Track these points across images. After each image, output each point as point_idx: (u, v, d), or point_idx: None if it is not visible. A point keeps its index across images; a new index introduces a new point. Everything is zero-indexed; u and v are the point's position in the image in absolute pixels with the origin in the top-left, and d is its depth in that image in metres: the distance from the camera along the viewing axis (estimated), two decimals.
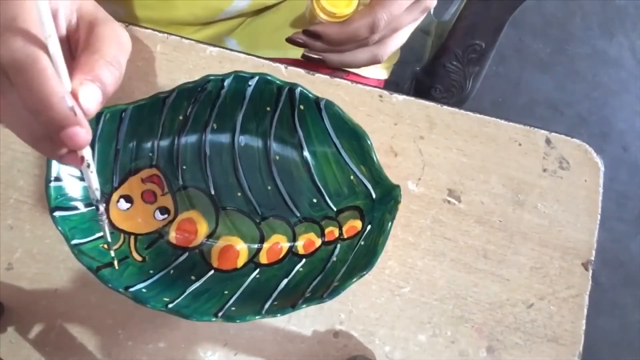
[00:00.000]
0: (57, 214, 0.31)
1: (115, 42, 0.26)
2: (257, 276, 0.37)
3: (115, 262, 0.33)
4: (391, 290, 0.40)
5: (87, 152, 0.26)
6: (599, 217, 0.44)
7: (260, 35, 0.53)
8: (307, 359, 0.39)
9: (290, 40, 0.41)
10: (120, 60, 0.26)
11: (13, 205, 0.39)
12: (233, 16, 0.50)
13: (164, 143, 0.37)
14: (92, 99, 0.24)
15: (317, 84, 0.43)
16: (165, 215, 0.38)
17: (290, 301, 0.33)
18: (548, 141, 0.44)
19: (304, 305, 0.33)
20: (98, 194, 0.28)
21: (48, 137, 0.25)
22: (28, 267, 0.38)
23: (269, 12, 0.52)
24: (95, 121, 0.33)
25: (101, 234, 0.34)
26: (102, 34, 0.26)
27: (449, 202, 0.42)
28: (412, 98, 0.44)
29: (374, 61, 0.41)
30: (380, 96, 0.43)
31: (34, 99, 0.23)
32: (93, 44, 0.26)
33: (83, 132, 0.24)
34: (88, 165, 0.26)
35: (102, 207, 0.29)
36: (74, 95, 0.24)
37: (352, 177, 0.37)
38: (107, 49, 0.25)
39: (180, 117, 0.36)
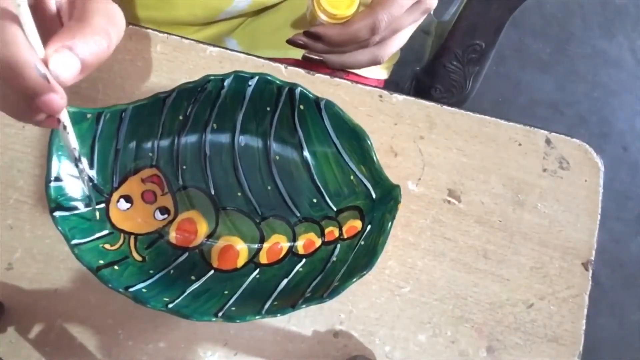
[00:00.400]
0: (57, 214, 0.31)
1: (105, 15, 0.25)
2: (257, 276, 0.37)
3: (97, 214, 0.33)
4: (391, 290, 0.40)
5: (63, 115, 0.26)
6: (599, 217, 0.44)
7: (260, 36, 0.53)
8: (307, 359, 0.39)
9: (290, 42, 0.41)
10: (110, 32, 0.25)
11: (13, 205, 0.39)
12: (233, 16, 0.50)
13: (164, 143, 0.37)
14: (65, 67, 0.23)
15: (317, 84, 0.43)
16: (165, 215, 0.38)
17: (290, 301, 0.33)
18: (548, 141, 0.44)
19: (304, 305, 0.32)
20: (76, 154, 0.29)
21: (24, 104, 0.24)
22: (28, 267, 0.38)
23: (269, 13, 0.52)
24: (95, 121, 0.33)
25: (101, 233, 0.34)
26: (92, 7, 0.25)
27: (449, 202, 0.42)
28: (412, 98, 0.44)
29: (375, 62, 0.41)
30: (380, 96, 0.43)
31: (4, 67, 0.22)
32: (80, 16, 0.25)
33: (57, 99, 0.23)
34: (64, 128, 0.27)
35: (81, 165, 0.29)
36: (46, 62, 0.23)
37: (352, 177, 0.37)
38: (94, 19, 0.24)
39: (180, 117, 0.36)
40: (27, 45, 0.22)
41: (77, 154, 0.29)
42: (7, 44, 0.22)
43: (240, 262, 0.38)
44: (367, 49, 0.40)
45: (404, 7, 0.38)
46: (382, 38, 0.39)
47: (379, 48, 0.40)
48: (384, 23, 0.37)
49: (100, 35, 0.24)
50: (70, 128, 0.27)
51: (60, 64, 0.23)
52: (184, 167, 0.38)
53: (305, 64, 0.42)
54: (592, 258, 0.43)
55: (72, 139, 0.28)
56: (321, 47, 0.40)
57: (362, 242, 0.36)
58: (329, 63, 0.41)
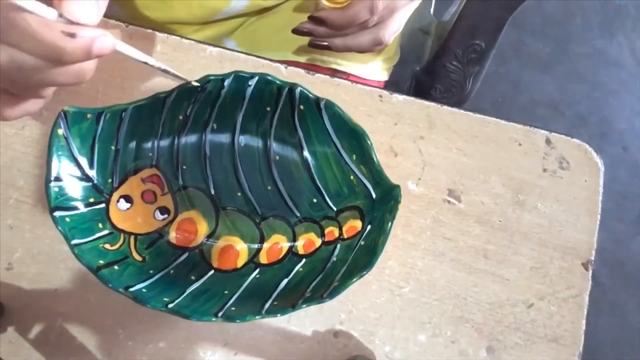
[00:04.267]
0: (57, 214, 0.31)
1: None
2: (257, 276, 0.37)
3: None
4: (391, 290, 0.40)
5: (117, 45, 0.26)
6: (599, 217, 0.44)
7: (259, 38, 0.53)
8: (307, 359, 0.39)
9: (296, 31, 0.43)
10: None
11: (13, 205, 0.39)
12: (232, 17, 0.50)
13: (164, 143, 0.37)
14: (84, 13, 0.23)
15: (317, 84, 0.43)
16: (165, 215, 0.38)
17: (290, 301, 0.33)
18: (548, 141, 0.44)
19: (304, 305, 0.32)
20: (149, 61, 0.28)
21: (77, 67, 0.25)
22: (28, 267, 0.38)
23: (268, 15, 0.52)
24: (95, 121, 0.33)
25: (101, 233, 0.34)
26: None
27: (449, 202, 0.42)
28: (412, 98, 0.44)
29: (378, 42, 0.43)
30: (380, 96, 0.43)
31: (45, 54, 0.23)
32: None
33: (105, 42, 0.24)
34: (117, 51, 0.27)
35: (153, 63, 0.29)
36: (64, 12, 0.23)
37: (352, 177, 0.37)
38: None
39: (180, 117, 0.36)
40: (42, 22, 0.23)
41: (148, 61, 0.28)
42: (27, 29, 0.22)
43: (240, 262, 0.38)
44: (367, 30, 0.42)
45: None
46: (381, 18, 0.41)
47: (379, 28, 0.42)
48: (381, 3, 0.39)
49: None
50: (127, 49, 0.27)
51: (78, 13, 0.23)
52: (184, 167, 0.38)
53: (306, 64, 0.42)
54: (592, 258, 0.43)
55: (136, 54, 0.28)
56: (325, 32, 0.42)
57: (362, 242, 0.36)
58: (334, 47, 0.43)
